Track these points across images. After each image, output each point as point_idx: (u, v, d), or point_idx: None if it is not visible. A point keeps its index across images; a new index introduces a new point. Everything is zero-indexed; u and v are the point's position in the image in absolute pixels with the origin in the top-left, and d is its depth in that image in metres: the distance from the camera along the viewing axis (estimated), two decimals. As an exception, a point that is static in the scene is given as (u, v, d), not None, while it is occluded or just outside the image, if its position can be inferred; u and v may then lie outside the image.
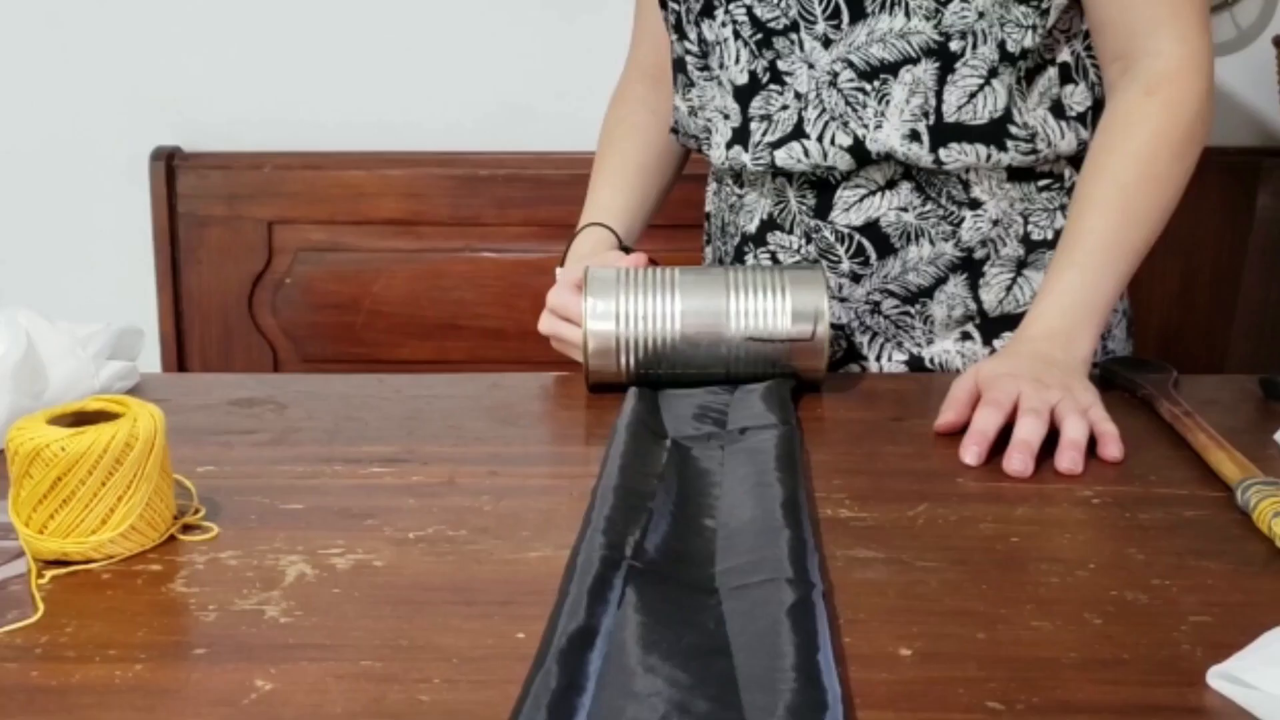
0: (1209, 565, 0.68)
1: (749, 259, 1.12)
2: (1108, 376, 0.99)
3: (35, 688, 0.58)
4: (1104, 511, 0.76)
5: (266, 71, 1.71)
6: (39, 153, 1.74)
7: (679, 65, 1.13)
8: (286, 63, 1.70)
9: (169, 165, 1.69)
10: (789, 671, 0.53)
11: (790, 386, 0.93)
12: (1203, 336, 1.64)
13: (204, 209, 1.70)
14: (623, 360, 0.94)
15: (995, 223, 1.05)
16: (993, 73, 0.99)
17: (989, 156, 1.01)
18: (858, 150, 1.02)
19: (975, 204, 1.04)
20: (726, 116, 1.08)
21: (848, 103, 1.01)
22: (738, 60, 1.05)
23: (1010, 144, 1.01)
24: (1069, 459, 0.81)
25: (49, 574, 0.68)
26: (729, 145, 1.08)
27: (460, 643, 0.61)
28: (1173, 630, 0.62)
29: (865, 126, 1.01)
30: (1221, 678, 0.57)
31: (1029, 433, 0.82)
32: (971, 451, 0.83)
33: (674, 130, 1.17)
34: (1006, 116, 1.01)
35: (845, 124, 1.01)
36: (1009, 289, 1.06)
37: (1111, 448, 0.83)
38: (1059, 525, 0.74)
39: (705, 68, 1.09)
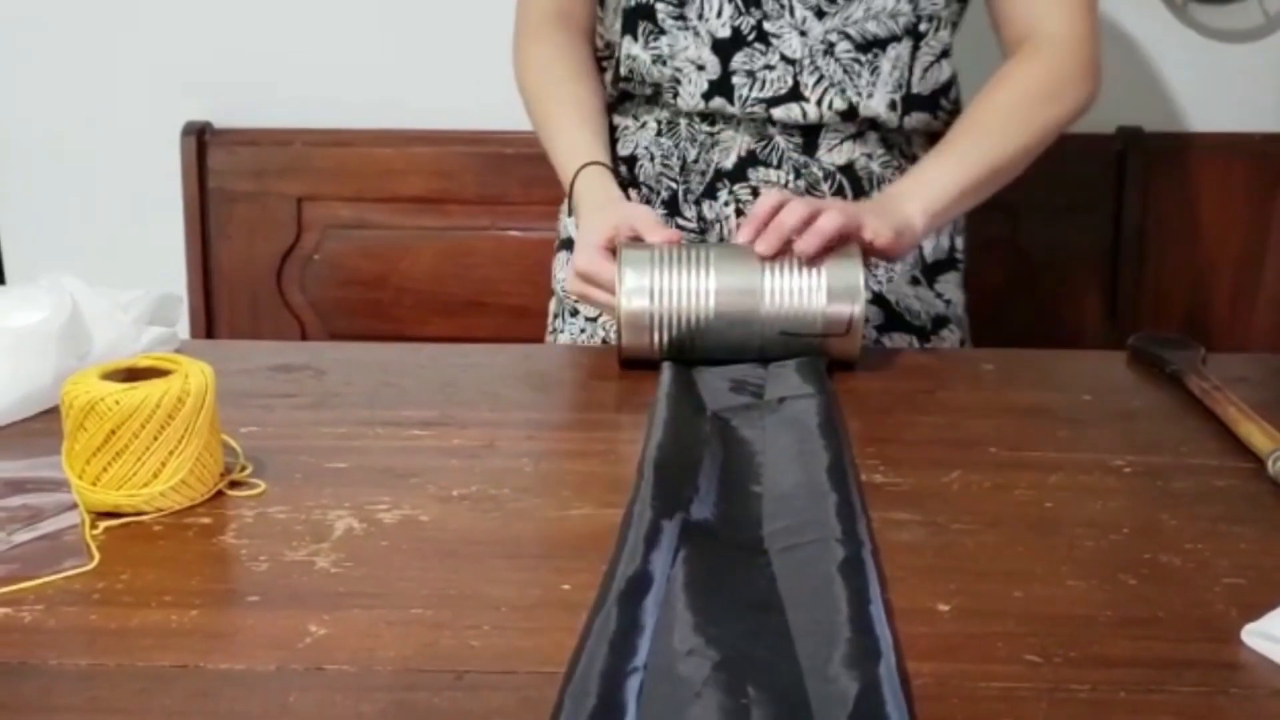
0: (1241, 531, 0.70)
1: (723, 195, 1.12)
2: (1138, 353, 1.00)
3: (95, 629, 0.60)
4: (1136, 480, 0.77)
5: (297, 49, 1.71)
6: (73, 128, 1.75)
7: (643, 12, 1.11)
8: (317, 40, 1.71)
9: (200, 140, 1.70)
10: (843, 624, 0.54)
11: (824, 363, 0.93)
12: (1226, 319, 1.64)
13: (234, 184, 1.71)
14: (656, 337, 0.94)
15: None
16: (944, 53, 1.11)
17: (927, 123, 1.12)
18: (850, 114, 1.09)
19: (915, 158, 1.13)
20: (701, 68, 1.09)
21: (845, 71, 1.08)
22: (720, 14, 1.08)
23: (940, 115, 1.13)
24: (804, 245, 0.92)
25: (102, 525, 0.70)
26: (707, 96, 1.09)
27: (508, 593, 0.62)
28: (1206, 591, 0.63)
29: (860, 94, 1.08)
30: (1257, 635, 0.58)
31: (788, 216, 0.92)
32: (763, 242, 0.93)
33: (626, 79, 1.14)
34: (941, 91, 1.12)
35: (843, 91, 1.08)
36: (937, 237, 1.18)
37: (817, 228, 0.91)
38: (1092, 492, 0.75)
39: (681, 17, 1.10)
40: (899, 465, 0.78)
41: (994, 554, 0.67)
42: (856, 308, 0.93)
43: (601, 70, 1.22)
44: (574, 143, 1.14)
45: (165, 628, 0.59)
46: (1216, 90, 1.65)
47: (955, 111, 1.13)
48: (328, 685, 0.54)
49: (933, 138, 1.13)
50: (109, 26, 1.72)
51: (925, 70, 1.11)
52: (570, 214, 1.12)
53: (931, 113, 1.13)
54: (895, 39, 1.08)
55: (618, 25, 1.14)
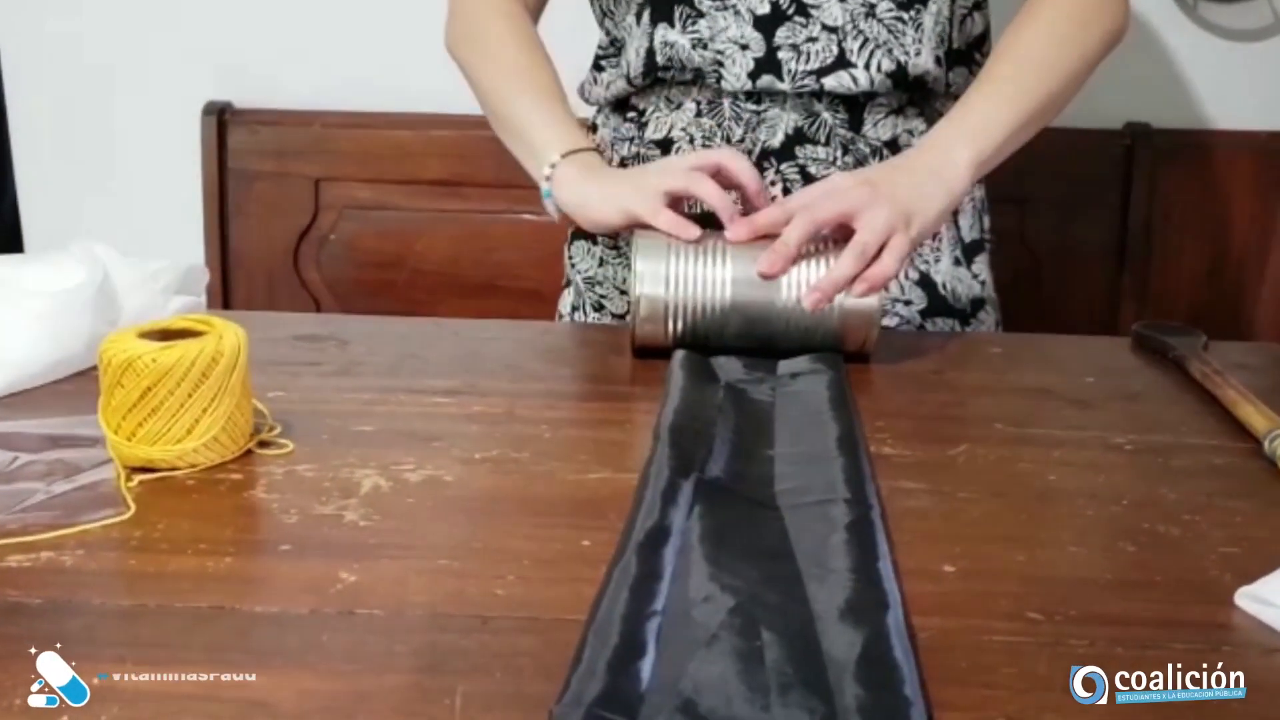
0: (1237, 505, 0.72)
1: (769, 174, 1.09)
2: (1142, 339, 1.02)
3: (134, 573, 0.62)
4: (1138, 456, 0.79)
5: (318, 32, 1.74)
6: (95, 105, 1.78)
7: None
8: (337, 23, 1.73)
9: (220, 120, 1.72)
10: (852, 577, 0.56)
11: (840, 357, 0.92)
12: (1230, 315, 1.67)
13: (253, 164, 1.73)
14: (670, 326, 0.93)
15: None
16: (977, 6, 1.12)
17: (966, 78, 1.11)
18: (899, 74, 1.07)
19: None
20: (745, 46, 1.07)
21: (890, 31, 1.06)
22: None
23: (974, 67, 1.12)
24: (812, 299, 0.91)
25: (137, 479, 0.73)
26: (754, 75, 1.07)
27: (530, 547, 0.65)
28: (1202, 559, 0.65)
29: (907, 53, 1.07)
30: (1249, 598, 0.60)
31: (840, 273, 0.91)
32: (766, 261, 0.91)
33: (665, 67, 1.09)
34: (975, 44, 1.13)
35: (890, 51, 1.06)
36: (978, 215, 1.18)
37: (858, 286, 0.91)
38: (1094, 467, 0.77)
39: None
40: (907, 439, 0.81)
41: (998, 521, 0.69)
42: (874, 299, 0.92)
43: (599, 69, 1.18)
44: (554, 121, 1.08)
45: (202, 572, 0.62)
46: (1225, 88, 1.67)
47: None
48: (360, 627, 0.57)
49: None
50: (132, 6, 1.75)
51: (961, 23, 1.11)
52: (550, 191, 1.05)
53: (969, 67, 1.13)
54: None
55: (630, 18, 1.12)
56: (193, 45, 1.75)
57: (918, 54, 1.07)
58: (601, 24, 1.19)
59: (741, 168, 0.98)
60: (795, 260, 0.92)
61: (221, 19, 1.74)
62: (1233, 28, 1.66)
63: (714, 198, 0.95)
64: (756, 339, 0.93)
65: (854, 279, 0.91)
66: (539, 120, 1.09)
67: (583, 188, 1.02)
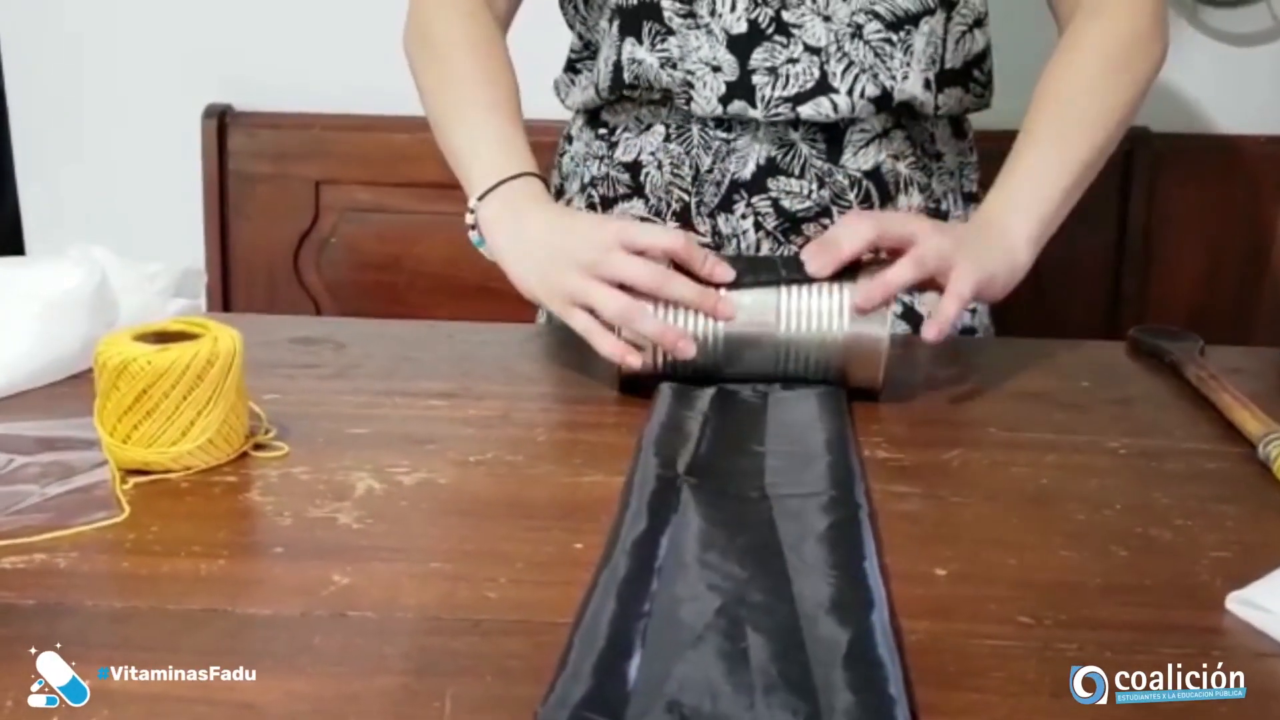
0: (1230, 509, 0.72)
1: (740, 207, 1.04)
2: (1137, 344, 1.02)
3: (127, 575, 0.63)
4: (1131, 460, 0.79)
5: (318, 35, 1.74)
6: (96, 108, 1.78)
7: (646, 11, 1.02)
8: (338, 27, 1.73)
9: (220, 123, 1.72)
10: (837, 576, 0.57)
11: (843, 395, 0.86)
12: (1229, 318, 1.67)
13: (253, 167, 1.74)
14: (659, 357, 0.85)
15: (951, 174, 1.10)
16: (977, 22, 1.06)
17: (959, 99, 1.07)
18: (883, 100, 1.01)
19: (938, 156, 1.09)
20: (717, 69, 1.00)
21: (876, 54, 1.00)
22: (734, 8, 1.00)
23: (972, 86, 1.08)
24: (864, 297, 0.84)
25: (131, 481, 0.73)
26: (725, 100, 1.01)
27: (522, 550, 0.65)
28: (1194, 563, 0.65)
29: (894, 77, 1.01)
30: (1240, 602, 0.60)
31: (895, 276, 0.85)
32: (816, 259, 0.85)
33: (632, 85, 1.04)
34: (974, 62, 1.07)
35: (875, 75, 1.00)
36: None
37: (929, 330, 0.86)
38: (1086, 471, 0.77)
39: (690, 14, 1.00)
40: (901, 443, 0.81)
41: (990, 525, 0.70)
42: (882, 330, 0.84)
43: (574, 71, 1.13)
44: (507, 138, 0.99)
45: (194, 575, 0.62)
46: (1224, 92, 1.67)
47: (987, 84, 1.09)
48: (351, 630, 0.57)
49: (955, 125, 1.10)
50: (133, 9, 1.75)
51: (957, 41, 1.04)
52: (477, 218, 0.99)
53: (964, 87, 1.06)
54: (929, 11, 1.00)
55: (604, 23, 1.06)
56: (193, 49, 1.75)
57: (905, 78, 1.01)
58: (573, 27, 1.13)
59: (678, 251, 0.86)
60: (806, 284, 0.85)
61: (222, 22, 1.74)
62: (1232, 32, 1.66)
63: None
64: (752, 373, 0.86)
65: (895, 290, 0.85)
66: (474, 138, 1.01)
67: (500, 246, 0.97)
